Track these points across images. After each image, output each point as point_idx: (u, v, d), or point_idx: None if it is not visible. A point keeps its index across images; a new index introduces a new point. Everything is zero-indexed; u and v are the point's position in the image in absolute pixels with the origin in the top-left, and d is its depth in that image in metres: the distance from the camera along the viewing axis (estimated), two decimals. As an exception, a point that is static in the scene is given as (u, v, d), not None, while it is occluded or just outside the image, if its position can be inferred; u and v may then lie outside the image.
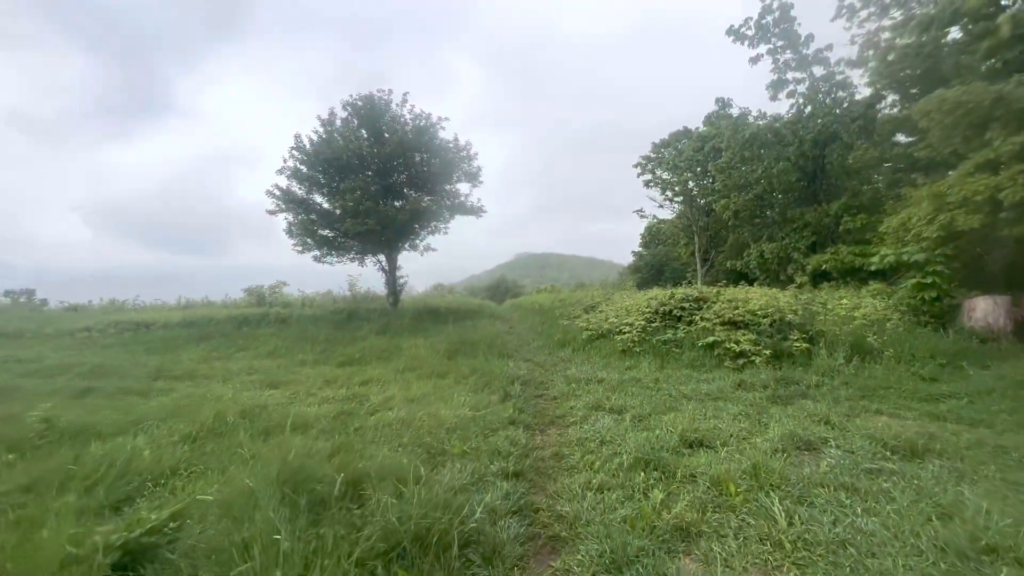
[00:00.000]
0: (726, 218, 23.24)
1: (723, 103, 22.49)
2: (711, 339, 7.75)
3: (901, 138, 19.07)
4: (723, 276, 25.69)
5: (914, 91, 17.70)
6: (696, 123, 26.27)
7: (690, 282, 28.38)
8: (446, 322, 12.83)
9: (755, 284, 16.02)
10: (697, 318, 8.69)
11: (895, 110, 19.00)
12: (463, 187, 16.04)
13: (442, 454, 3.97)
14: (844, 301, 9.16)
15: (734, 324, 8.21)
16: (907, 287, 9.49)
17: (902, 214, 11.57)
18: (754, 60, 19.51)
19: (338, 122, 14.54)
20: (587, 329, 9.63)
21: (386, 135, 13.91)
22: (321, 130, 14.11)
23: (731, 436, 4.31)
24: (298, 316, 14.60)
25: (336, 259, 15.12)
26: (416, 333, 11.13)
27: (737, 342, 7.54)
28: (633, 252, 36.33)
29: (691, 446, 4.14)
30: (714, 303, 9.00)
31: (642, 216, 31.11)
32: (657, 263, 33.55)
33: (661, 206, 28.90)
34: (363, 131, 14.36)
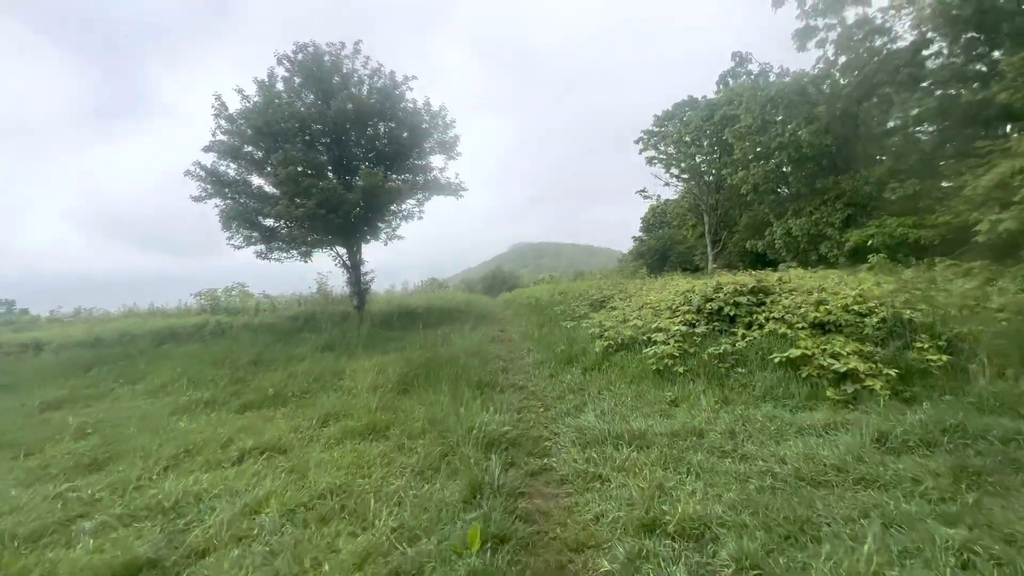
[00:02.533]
0: (744, 192, 20.50)
1: (740, 58, 19.62)
2: (795, 352, 5.12)
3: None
4: (738, 258, 23.01)
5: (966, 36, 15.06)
6: (702, 95, 23.43)
7: (698, 266, 25.78)
8: (417, 328, 10.15)
9: (779, 266, 13.46)
10: (761, 318, 6.06)
11: (939, 60, 16.24)
12: (437, 160, 13.26)
13: None
14: (965, 285, 6.50)
15: (821, 327, 5.59)
16: (1038, 263, 6.93)
17: (1000, 168, 8.97)
18: (777, 3, 16.69)
19: (279, 84, 11.71)
20: (601, 336, 7.00)
21: (338, 96, 11.09)
22: (255, 94, 11.25)
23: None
24: (242, 326, 11.93)
25: (285, 255, 12.36)
26: (373, 348, 8.45)
27: (836, 356, 4.92)
28: (634, 237, 33.78)
29: None
30: (780, 296, 6.37)
31: (645, 197, 28.36)
32: (661, 247, 31.02)
33: (666, 184, 26.15)
34: (309, 94, 11.54)
